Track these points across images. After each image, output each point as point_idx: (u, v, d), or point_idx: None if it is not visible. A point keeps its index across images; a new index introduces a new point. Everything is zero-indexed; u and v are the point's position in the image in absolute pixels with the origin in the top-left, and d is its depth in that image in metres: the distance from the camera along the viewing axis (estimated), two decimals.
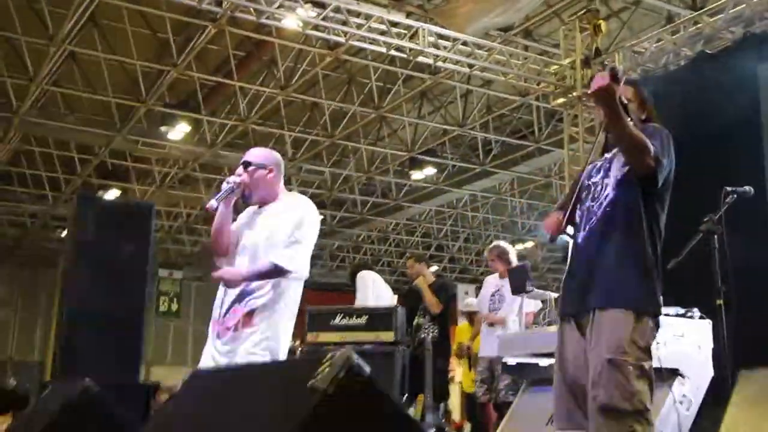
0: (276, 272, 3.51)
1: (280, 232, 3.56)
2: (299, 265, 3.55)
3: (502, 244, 7.52)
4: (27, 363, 20.33)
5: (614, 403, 2.83)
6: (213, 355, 3.56)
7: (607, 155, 3.22)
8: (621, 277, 2.98)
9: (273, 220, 3.64)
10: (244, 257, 3.62)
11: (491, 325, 7.22)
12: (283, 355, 3.62)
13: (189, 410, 1.91)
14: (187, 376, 2.09)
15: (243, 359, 3.44)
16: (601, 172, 3.19)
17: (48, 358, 17.67)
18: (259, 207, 3.74)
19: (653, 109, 3.29)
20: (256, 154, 3.75)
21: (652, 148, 2.94)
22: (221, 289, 3.67)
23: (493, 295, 7.27)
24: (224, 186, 3.63)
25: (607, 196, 3.09)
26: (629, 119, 2.96)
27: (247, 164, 3.69)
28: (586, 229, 3.12)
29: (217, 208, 3.60)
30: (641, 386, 2.88)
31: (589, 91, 3.00)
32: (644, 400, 2.88)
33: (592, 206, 3.13)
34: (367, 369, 1.57)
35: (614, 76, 2.87)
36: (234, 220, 3.79)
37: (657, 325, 3.03)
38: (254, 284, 3.55)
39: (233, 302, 3.57)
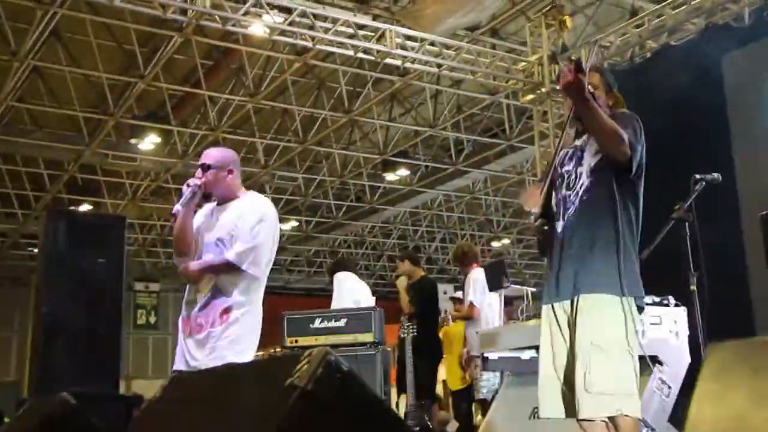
0: (227, 267, 3.56)
1: (238, 234, 3.60)
2: (251, 264, 3.58)
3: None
4: (3, 383, 20.04)
5: (602, 387, 2.86)
6: (186, 355, 3.57)
7: (578, 142, 3.24)
8: (602, 263, 3.01)
9: (234, 218, 3.67)
10: (208, 255, 3.65)
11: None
12: (253, 354, 3.65)
13: (169, 413, 1.89)
14: (167, 379, 2.08)
15: (217, 358, 3.45)
16: (574, 160, 3.21)
17: (25, 377, 17.42)
18: (218, 205, 3.76)
19: (620, 95, 3.33)
20: (213, 156, 3.77)
21: (625, 135, 2.97)
22: (190, 287, 3.67)
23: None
24: (185, 190, 3.65)
25: (582, 184, 3.12)
26: (599, 107, 3.00)
27: (206, 167, 3.69)
28: (564, 217, 3.15)
29: (183, 213, 3.64)
30: (627, 369, 2.92)
31: (558, 87, 3.03)
32: (630, 383, 2.91)
33: (569, 195, 3.15)
34: (346, 365, 1.56)
35: (579, 68, 2.90)
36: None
37: (640, 310, 3.07)
38: (224, 284, 3.56)
39: (207, 299, 3.57)
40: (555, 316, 3.12)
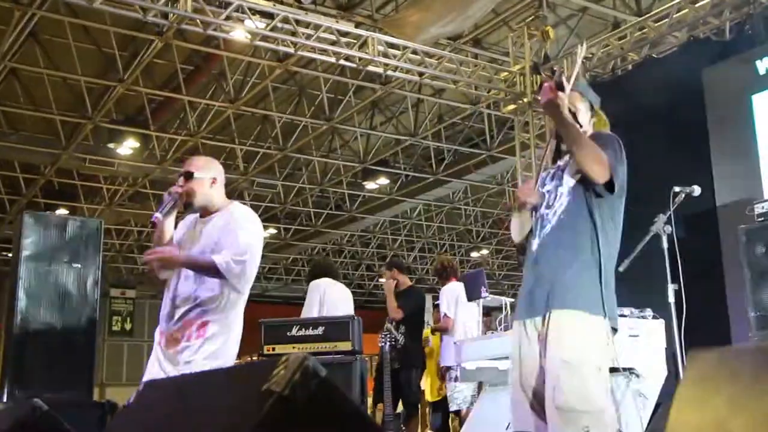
0: (212, 271, 3.46)
1: (223, 246, 3.52)
2: (236, 276, 3.48)
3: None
4: None
5: (571, 404, 2.84)
6: (162, 365, 3.50)
7: (560, 162, 3.23)
8: (576, 282, 3.00)
9: (215, 232, 3.60)
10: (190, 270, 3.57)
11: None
12: (235, 353, 3.60)
13: (144, 418, 1.85)
14: (141, 386, 2.03)
15: (202, 361, 3.40)
16: (555, 179, 3.21)
17: None
18: (202, 216, 3.70)
19: (602, 114, 3.32)
20: (196, 164, 3.70)
21: (605, 156, 2.96)
22: (169, 296, 3.61)
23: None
24: (166, 198, 3.59)
25: (561, 204, 3.11)
26: (579, 127, 2.99)
27: (188, 175, 3.64)
28: (541, 235, 3.14)
29: (163, 221, 3.58)
30: (597, 387, 2.90)
31: (540, 103, 3.02)
32: (600, 401, 2.89)
33: (547, 213, 3.15)
34: (323, 371, 1.53)
35: (559, 86, 2.89)
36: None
37: (613, 330, 3.04)
38: (206, 296, 3.50)
39: (185, 312, 3.51)
40: (526, 332, 3.09)
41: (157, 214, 3.54)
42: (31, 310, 5.46)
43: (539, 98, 3.04)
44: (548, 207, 3.16)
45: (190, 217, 3.77)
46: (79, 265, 5.67)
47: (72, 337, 5.54)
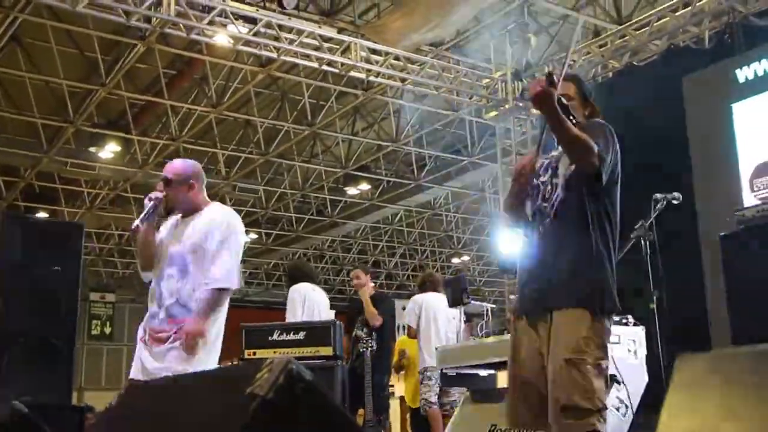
0: (224, 296, 3.58)
1: (207, 247, 3.56)
2: (235, 280, 3.59)
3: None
4: None
5: (575, 402, 2.85)
6: (142, 365, 3.50)
7: (554, 153, 3.22)
8: (576, 276, 3.00)
9: (197, 232, 3.63)
10: (173, 268, 3.60)
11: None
12: (216, 357, 3.63)
13: (125, 421, 1.84)
14: (123, 388, 2.03)
15: (174, 372, 3.40)
16: (549, 171, 3.19)
17: None
18: (183, 217, 3.70)
19: (595, 104, 3.32)
20: (175, 170, 3.73)
21: (595, 147, 2.95)
22: (153, 298, 3.60)
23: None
24: (147, 204, 3.61)
25: (557, 196, 3.10)
26: (571, 118, 2.97)
27: (167, 181, 3.65)
28: (540, 229, 3.13)
29: (143, 228, 3.61)
30: (599, 384, 2.90)
31: (529, 95, 3.02)
32: (603, 399, 2.91)
33: (544, 207, 3.13)
34: (308, 373, 1.54)
35: (551, 81, 2.89)
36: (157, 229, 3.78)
37: (609, 327, 3.06)
38: (186, 299, 3.50)
39: (168, 315, 3.51)
40: (525, 327, 3.10)
41: (137, 222, 3.58)
42: (11, 313, 5.42)
43: (526, 97, 3.06)
44: (545, 200, 3.14)
45: (172, 218, 3.79)
46: (60, 268, 5.64)
47: (51, 341, 5.50)
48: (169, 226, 3.77)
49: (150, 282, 3.69)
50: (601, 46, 9.44)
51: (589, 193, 3.05)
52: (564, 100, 2.96)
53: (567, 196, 3.09)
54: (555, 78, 2.90)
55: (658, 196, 4.64)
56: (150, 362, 3.51)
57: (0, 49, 9.99)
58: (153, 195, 3.63)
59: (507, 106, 10.14)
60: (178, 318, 3.51)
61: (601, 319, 2.97)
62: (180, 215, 3.74)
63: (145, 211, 3.60)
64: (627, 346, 5.04)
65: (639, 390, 5.01)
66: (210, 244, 3.55)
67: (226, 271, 3.53)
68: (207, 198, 3.80)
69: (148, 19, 8.44)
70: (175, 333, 3.50)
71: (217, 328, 3.62)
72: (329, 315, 7.02)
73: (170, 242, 3.67)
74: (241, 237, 3.71)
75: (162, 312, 3.55)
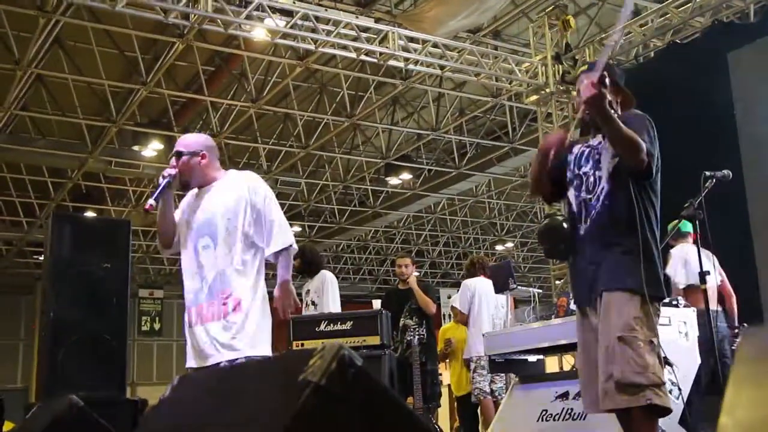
0: (291, 254, 3.59)
1: (238, 209, 3.55)
2: (291, 237, 3.61)
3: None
4: (10, 390, 20.13)
5: (629, 378, 2.91)
6: (201, 348, 3.50)
7: (593, 142, 3.25)
8: (624, 264, 3.08)
9: (222, 196, 3.61)
10: (205, 238, 3.58)
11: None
12: (268, 340, 3.58)
13: (178, 412, 1.86)
14: (175, 379, 2.05)
15: (231, 349, 3.40)
16: (591, 162, 3.24)
17: (32, 384, 17.44)
18: (199, 189, 3.71)
19: (628, 91, 3.33)
20: (186, 143, 3.73)
21: (643, 144, 3.02)
22: (193, 270, 3.61)
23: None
24: (160, 181, 3.62)
25: (602, 189, 3.18)
26: (616, 118, 3.02)
27: (179, 154, 3.66)
28: (587, 222, 3.22)
29: (155, 206, 3.59)
30: (653, 360, 2.97)
31: (581, 99, 3.04)
32: (658, 373, 2.97)
33: (590, 199, 3.21)
34: (359, 359, 1.53)
35: (602, 82, 2.93)
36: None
37: (659, 310, 3.13)
38: (234, 269, 3.50)
39: (213, 289, 3.52)
40: (585, 315, 3.20)
41: (151, 201, 3.56)
42: (64, 311, 5.50)
43: (579, 92, 3.05)
44: (589, 192, 3.22)
45: (189, 194, 3.80)
46: (109, 265, 5.71)
47: (104, 337, 5.59)
48: (187, 201, 3.77)
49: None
50: (641, 26, 9.27)
51: (636, 185, 3.12)
52: (609, 96, 3.00)
53: (612, 188, 3.17)
54: (605, 80, 2.94)
55: (707, 173, 4.55)
56: (202, 342, 3.48)
57: (44, 53, 10.15)
58: (166, 172, 3.62)
59: (548, 90, 10.02)
60: (223, 290, 3.48)
61: (650, 303, 3.04)
62: (196, 189, 3.73)
63: (158, 189, 3.59)
64: (678, 327, 4.97)
65: (691, 372, 4.93)
66: (246, 206, 3.54)
67: (285, 231, 3.56)
68: (220, 168, 3.78)
69: (186, 16, 8.51)
70: (224, 304, 3.46)
71: (261, 293, 3.59)
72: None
73: (194, 214, 3.65)
74: (273, 196, 3.68)
75: (205, 286, 3.53)
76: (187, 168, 3.64)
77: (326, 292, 6.96)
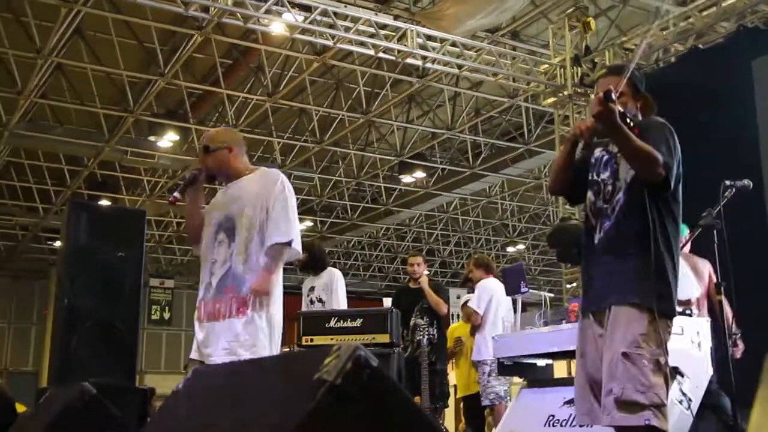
0: (283, 250, 3.52)
1: (258, 206, 3.54)
2: (295, 238, 3.56)
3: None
4: (22, 373, 20.36)
5: (629, 396, 2.83)
6: (200, 346, 3.51)
7: (614, 149, 3.17)
8: (635, 279, 2.99)
9: (244, 193, 3.62)
10: (221, 234, 3.59)
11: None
12: (279, 342, 3.57)
13: (192, 407, 1.87)
14: (189, 373, 2.05)
15: (240, 349, 3.40)
16: (608, 170, 3.16)
17: (43, 368, 17.61)
18: (227, 183, 3.73)
19: (648, 95, 3.26)
20: (213, 137, 3.74)
21: (660, 157, 2.93)
22: (207, 264, 3.61)
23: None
24: (186, 176, 3.63)
25: (618, 200, 3.10)
26: (628, 121, 2.93)
27: (206, 148, 3.67)
28: (601, 231, 3.14)
29: (180, 199, 3.61)
30: (657, 380, 2.87)
31: (590, 114, 2.99)
32: (660, 394, 2.87)
33: (605, 208, 3.14)
34: (374, 360, 1.53)
35: (607, 98, 2.85)
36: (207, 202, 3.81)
37: (670, 327, 3.03)
38: (240, 261, 3.49)
39: (222, 284, 3.51)
40: (591, 324, 3.13)
41: (175, 194, 3.60)
42: (78, 298, 5.54)
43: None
44: (606, 201, 3.15)
45: (220, 190, 3.82)
46: (123, 253, 5.74)
47: (116, 324, 5.62)
48: (217, 195, 3.80)
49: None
50: (663, 29, 9.21)
51: (653, 197, 3.04)
52: (620, 108, 2.92)
53: (628, 200, 3.08)
54: (612, 95, 2.86)
55: (727, 183, 4.50)
56: (203, 340, 3.49)
57: (64, 43, 10.21)
58: (194, 167, 3.67)
59: (566, 92, 9.98)
60: (233, 287, 3.48)
61: (660, 320, 2.95)
62: (224, 183, 3.74)
63: (182, 183, 3.62)
64: (690, 337, 4.92)
65: (703, 383, 4.88)
66: (264, 204, 3.53)
67: (288, 227, 3.51)
68: (248, 163, 3.79)
69: (205, 9, 8.53)
70: (233, 302, 3.45)
71: (279, 301, 3.57)
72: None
73: (216, 209, 3.67)
74: (293, 197, 3.65)
75: (214, 281, 3.53)
76: (214, 161, 3.65)
77: (335, 291, 6.95)
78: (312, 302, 7.00)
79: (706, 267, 5.51)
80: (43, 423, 2.56)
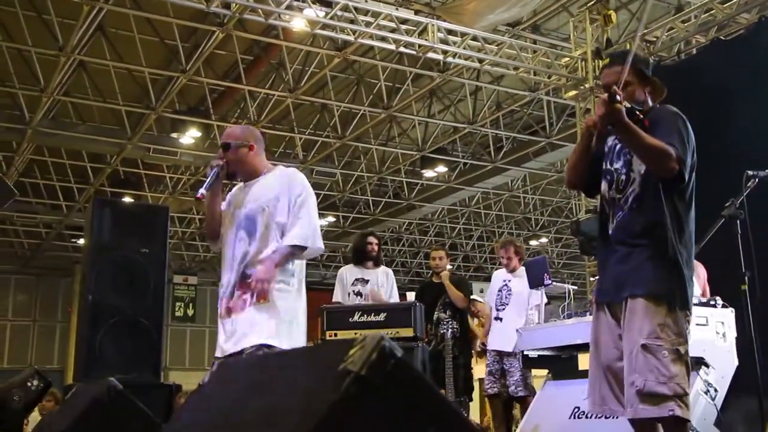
0: (296, 253, 3.54)
1: (279, 206, 3.55)
2: (317, 239, 3.57)
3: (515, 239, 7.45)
4: (47, 370, 20.57)
5: (651, 388, 2.82)
6: (220, 344, 3.51)
7: None
8: (651, 270, 2.97)
9: (264, 192, 3.63)
10: (242, 231, 3.60)
11: (498, 319, 7.17)
12: (302, 334, 3.58)
13: (218, 398, 1.89)
14: (215, 366, 2.07)
15: (259, 339, 3.39)
16: (621, 159, 3.13)
17: (68, 365, 17.80)
18: (246, 181, 3.74)
19: (657, 80, 3.22)
20: (233, 134, 3.75)
21: (672, 151, 2.91)
22: (227, 262, 3.63)
23: (500, 290, 7.18)
24: (209, 172, 3.64)
25: (632, 191, 3.08)
26: (638, 113, 2.91)
27: (226, 146, 3.68)
28: (615, 222, 3.12)
29: (207, 195, 3.63)
30: (678, 369, 2.86)
31: (597, 115, 2.97)
32: (682, 383, 2.86)
33: (619, 199, 3.11)
34: (399, 351, 1.53)
35: (612, 99, 2.84)
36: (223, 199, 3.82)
37: (688, 317, 3.01)
38: (258, 259, 3.51)
39: (240, 280, 3.53)
40: (605, 314, 3.10)
41: (202, 191, 3.58)
42: (102, 295, 5.58)
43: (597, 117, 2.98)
44: (619, 191, 3.12)
45: (236, 186, 3.83)
46: (147, 250, 5.79)
47: (140, 321, 5.66)
48: (233, 193, 3.80)
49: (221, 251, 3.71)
50: (684, 21, 9.13)
51: (667, 188, 3.01)
52: (627, 104, 2.89)
53: (641, 191, 3.06)
54: (617, 96, 2.84)
55: (750, 173, 4.46)
56: (226, 336, 3.49)
57: (87, 40, 10.29)
58: (214, 162, 3.65)
59: (587, 85, 9.93)
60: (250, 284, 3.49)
61: (676, 311, 2.94)
62: (243, 180, 3.76)
63: (208, 179, 3.61)
64: (715, 328, 4.88)
65: (728, 374, 4.85)
66: (284, 203, 3.55)
67: (307, 229, 3.52)
68: (267, 161, 3.80)
69: (227, 5, 8.57)
70: (250, 298, 3.46)
71: (301, 296, 3.60)
72: None
73: (236, 206, 3.68)
74: (312, 197, 3.66)
75: (234, 277, 3.54)
76: (234, 159, 3.67)
77: (390, 290, 6.88)
78: (357, 294, 6.86)
79: (699, 265, 5.48)
80: (70, 418, 2.60)
